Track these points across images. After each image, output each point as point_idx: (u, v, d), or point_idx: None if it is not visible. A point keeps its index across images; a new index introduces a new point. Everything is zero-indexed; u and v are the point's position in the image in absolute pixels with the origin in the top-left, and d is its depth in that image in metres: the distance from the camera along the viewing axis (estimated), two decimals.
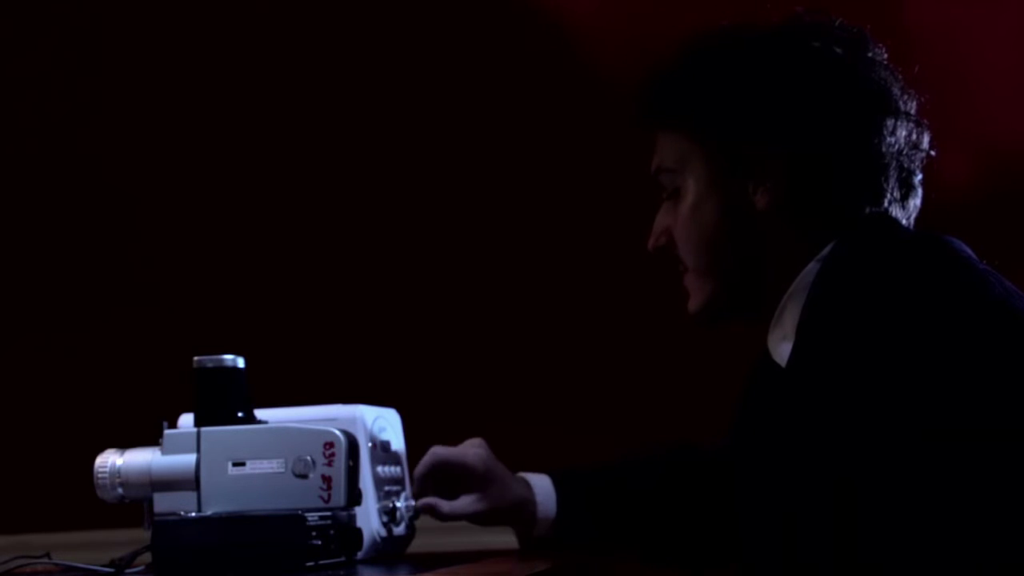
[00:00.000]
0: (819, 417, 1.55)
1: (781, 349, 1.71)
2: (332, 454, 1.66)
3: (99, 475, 1.72)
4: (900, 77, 1.74)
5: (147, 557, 1.70)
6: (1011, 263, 1.65)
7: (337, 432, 1.67)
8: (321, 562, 1.65)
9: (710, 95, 1.74)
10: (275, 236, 3.44)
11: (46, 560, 1.88)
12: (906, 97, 1.73)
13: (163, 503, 1.68)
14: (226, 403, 1.70)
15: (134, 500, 1.71)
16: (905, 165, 1.72)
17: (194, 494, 1.67)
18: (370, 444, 1.86)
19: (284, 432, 1.67)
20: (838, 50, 1.72)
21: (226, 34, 3.49)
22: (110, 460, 1.72)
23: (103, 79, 3.53)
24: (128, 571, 1.72)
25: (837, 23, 1.75)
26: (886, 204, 1.71)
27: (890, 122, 1.70)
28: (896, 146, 1.71)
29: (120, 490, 1.71)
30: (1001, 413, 1.46)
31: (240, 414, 1.70)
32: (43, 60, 3.56)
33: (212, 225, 3.47)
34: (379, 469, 1.89)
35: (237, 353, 1.72)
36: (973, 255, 1.63)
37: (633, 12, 3.34)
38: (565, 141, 3.33)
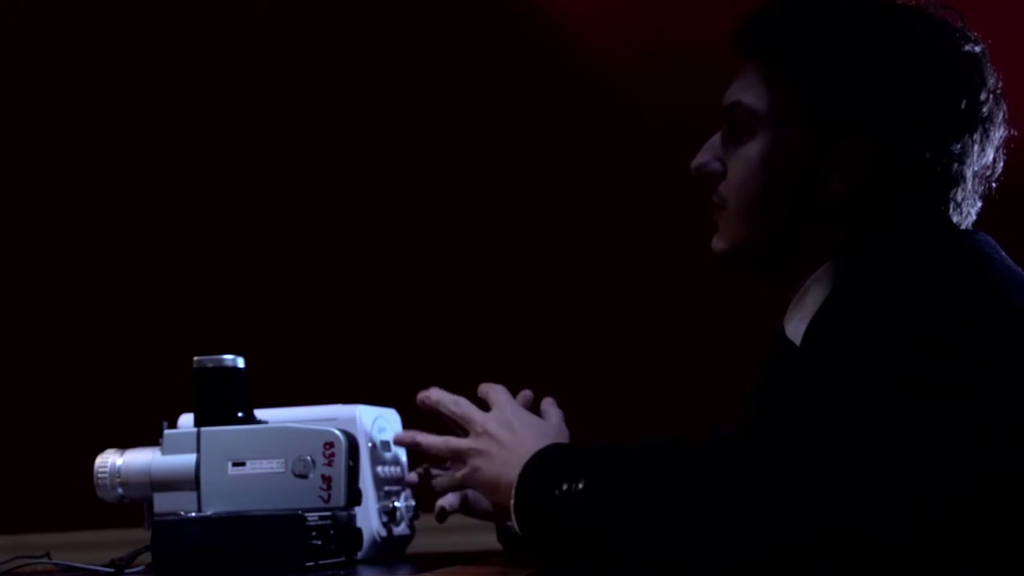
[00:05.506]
0: (823, 397, 1.54)
1: (799, 329, 1.71)
2: (332, 454, 1.66)
3: (99, 475, 1.72)
4: (1006, 106, 1.73)
5: (147, 557, 1.70)
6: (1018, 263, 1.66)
7: (337, 432, 1.67)
8: (321, 562, 1.65)
9: (840, 66, 1.68)
10: (275, 236, 3.44)
11: (46, 560, 1.88)
12: (1003, 128, 1.72)
13: (163, 503, 1.68)
14: (226, 403, 1.70)
15: (134, 500, 1.71)
16: (976, 187, 1.72)
17: (194, 494, 1.67)
18: (370, 444, 1.86)
19: (284, 432, 1.67)
20: (964, 66, 1.69)
21: (226, 34, 3.49)
22: (110, 460, 1.72)
23: (104, 79, 3.53)
24: (128, 571, 1.72)
25: (961, 27, 1.71)
26: (945, 216, 1.70)
27: (978, 147, 1.70)
28: (979, 170, 1.70)
29: (120, 490, 1.71)
30: (1008, 421, 1.47)
31: (240, 414, 1.70)
32: (43, 60, 3.56)
33: (212, 225, 3.47)
34: (379, 469, 1.89)
35: (237, 353, 1.72)
36: (1005, 256, 1.63)
37: (633, 12, 3.34)
38: (565, 141, 3.33)
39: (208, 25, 3.50)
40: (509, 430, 1.75)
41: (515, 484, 1.65)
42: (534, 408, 1.86)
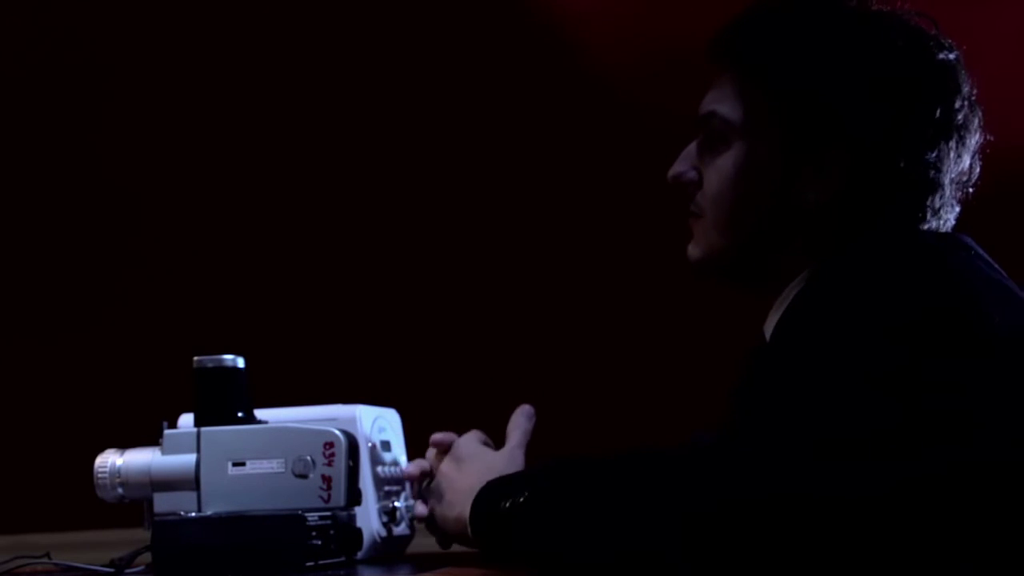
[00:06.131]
0: (779, 389, 1.55)
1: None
2: (332, 454, 1.66)
3: (99, 475, 1.72)
4: (981, 114, 1.73)
5: (147, 557, 1.70)
6: (1011, 263, 1.66)
7: (337, 432, 1.67)
8: (321, 562, 1.65)
9: (814, 78, 1.68)
10: (275, 236, 3.44)
11: (46, 560, 1.87)
12: (978, 134, 1.73)
13: (163, 503, 1.68)
14: (226, 403, 1.70)
15: (134, 500, 1.71)
16: (953, 193, 1.72)
17: (194, 494, 1.67)
18: (370, 444, 1.86)
19: (284, 432, 1.68)
20: (938, 73, 1.69)
21: (226, 34, 3.49)
22: (110, 460, 1.72)
23: (103, 79, 3.53)
24: (128, 571, 1.72)
25: (935, 34, 1.72)
26: (923, 223, 1.71)
27: (953, 154, 1.70)
28: (955, 176, 1.71)
29: (120, 490, 1.71)
30: (964, 411, 1.47)
31: (240, 414, 1.70)
32: (43, 60, 3.56)
33: (212, 225, 3.47)
34: (379, 469, 1.89)
35: (237, 353, 1.72)
36: (982, 254, 1.63)
37: (633, 12, 3.34)
38: (565, 141, 3.33)
39: (208, 26, 3.50)
40: (458, 468, 1.80)
41: (468, 517, 1.70)
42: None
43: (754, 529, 1.46)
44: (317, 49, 3.46)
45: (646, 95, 3.27)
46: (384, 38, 3.45)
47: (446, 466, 1.81)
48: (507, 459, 1.80)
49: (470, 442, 1.83)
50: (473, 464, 1.79)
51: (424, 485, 1.86)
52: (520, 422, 1.84)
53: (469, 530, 1.70)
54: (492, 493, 1.68)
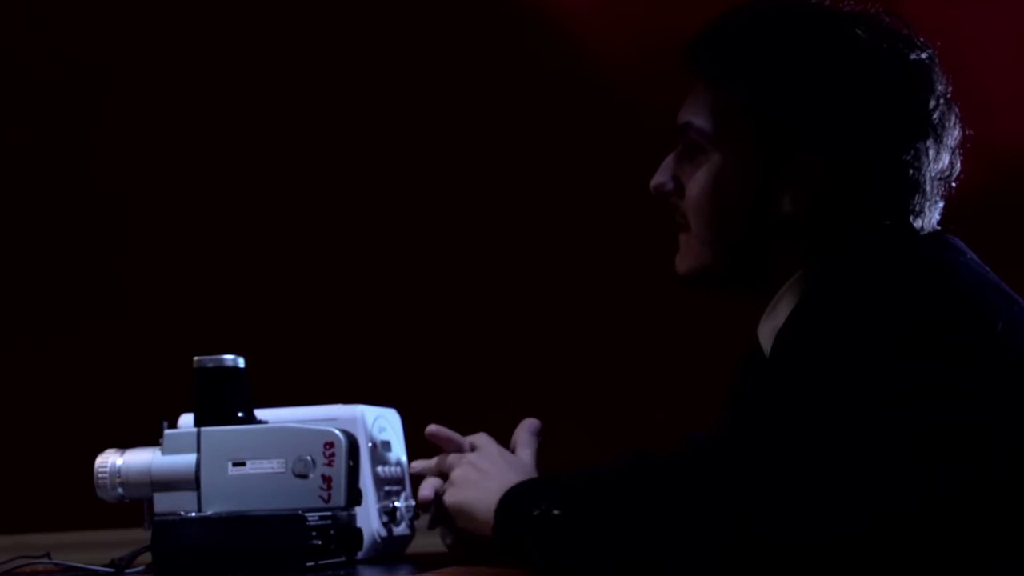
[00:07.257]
0: (785, 407, 1.55)
1: (770, 339, 1.71)
2: (332, 454, 1.66)
3: (99, 475, 1.72)
4: (958, 110, 1.73)
5: (147, 557, 1.70)
6: (1011, 263, 1.65)
7: (337, 432, 1.67)
8: (321, 562, 1.66)
9: (782, 87, 1.69)
10: (275, 236, 3.44)
11: (46, 560, 1.88)
12: (957, 130, 1.73)
13: (163, 503, 1.68)
14: (226, 403, 1.70)
15: (134, 500, 1.72)
16: (935, 190, 1.72)
17: (194, 494, 1.67)
18: (370, 444, 1.87)
19: (284, 432, 1.68)
20: (912, 73, 1.70)
21: (226, 34, 3.49)
22: (110, 460, 1.72)
23: (102, 79, 3.53)
24: (128, 571, 1.72)
25: (908, 34, 1.72)
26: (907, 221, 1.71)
27: (932, 152, 1.70)
28: (936, 174, 1.71)
29: (120, 490, 1.71)
30: (970, 423, 1.47)
31: (240, 414, 1.70)
32: (43, 60, 3.56)
33: (212, 225, 3.47)
34: (379, 469, 1.89)
35: (237, 353, 1.72)
36: (971, 256, 1.63)
37: (633, 12, 3.34)
38: (564, 141, 3.33)
39: (208, 25, 3.50)
40: (491, 462, 1.76)
41: (494, 511, 1.66)
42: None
43: (786, 561, 1.45)
44: (317, 49, 3.47)
45: (646, 95, 3.27)
46: (382, 37, 3.45)
47: (478, 459, 1.76)
48: (531, 468, 1.79)
49: (491, 442, 1.80)
50: (500, 463, 1.76)
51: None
52: (527, 439, 1.84)
53: (491, 525, 1.67)
54: (522, 496, 1.65)
